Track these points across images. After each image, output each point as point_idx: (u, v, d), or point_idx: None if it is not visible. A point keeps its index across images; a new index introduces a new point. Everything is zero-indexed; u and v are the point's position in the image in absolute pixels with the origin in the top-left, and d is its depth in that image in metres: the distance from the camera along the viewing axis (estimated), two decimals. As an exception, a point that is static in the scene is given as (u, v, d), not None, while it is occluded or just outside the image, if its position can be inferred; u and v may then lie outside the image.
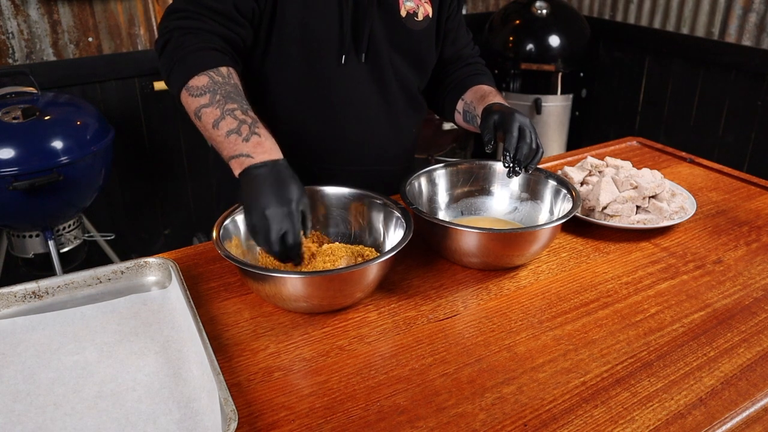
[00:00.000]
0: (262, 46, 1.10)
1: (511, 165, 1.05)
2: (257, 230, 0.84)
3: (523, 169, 1.05)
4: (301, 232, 0.86)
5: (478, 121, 1.16)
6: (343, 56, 1.12)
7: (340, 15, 1.10)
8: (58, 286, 0.90)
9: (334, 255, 0.94)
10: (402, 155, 1.29)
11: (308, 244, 0.94)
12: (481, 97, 1.21)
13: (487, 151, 1.07)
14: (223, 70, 0.96)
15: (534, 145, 1.05)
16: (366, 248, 0.98)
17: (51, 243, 1.96)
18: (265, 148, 0.90)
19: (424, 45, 1.22)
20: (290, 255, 0.86)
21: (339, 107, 1.16)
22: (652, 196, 1.14)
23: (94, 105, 2.10)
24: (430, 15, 1.20)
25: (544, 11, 2.82)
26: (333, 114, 1.17)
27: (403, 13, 1.16)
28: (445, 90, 1.31)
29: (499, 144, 1.07)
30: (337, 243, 1.00)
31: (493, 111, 1.10)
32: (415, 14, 1.17)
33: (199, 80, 0.94)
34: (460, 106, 1.27)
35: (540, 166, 1.17)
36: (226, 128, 0.91)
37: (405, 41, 1.18)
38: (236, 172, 0.90)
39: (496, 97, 1.18)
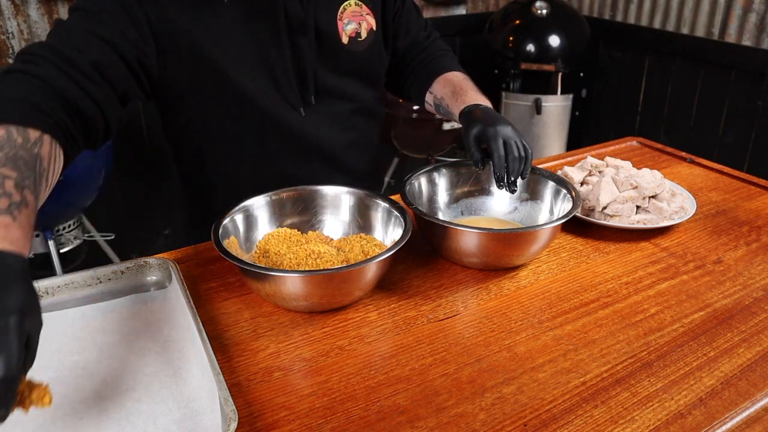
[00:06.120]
0: (187, 108, 1.08)
1: (505, 184, 1.02)
2: None
3: (519, 179, 1.02)
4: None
5: (455, 117, 1.15)
6: (301, 108, 1.10)
7: (286, 74, 1.07)
8: (58, 286, 0.90)
9: (342, 251, 0.95)
10: (367, 169, 1.27)
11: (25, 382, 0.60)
12: (452, 93, 1.18)
13: (479, 171, 1.07)
14: (33, 134, 0.75)
15: (522, 154, 1.01)
16: (373, 239, 1.00)
17: (51, 243, 1.96)
18: (8, 236, 0.63)
19: (373, 59, 1.19)
20: None
21: (298, 152, 1.13)
22: (652, 196, 1.15)
23: (94, 105, 2.09)
24: (374, 27, 1.16)
25: (544, 11, 2.82)
26: (294, 158, 1.14)
27: (345, 40, 1.12)
28: (410, 77, 1.29)
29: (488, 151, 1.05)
30: (352, 235, 1.01)
31: (472, 121, 1.06)
32: (358, 35, 1.13)
33: None
34: (429, 98, 1.25)
35: (540, 166, 1.16)
36: None
37: (352, 65, 1.15)
38: None
39: (468, 92, 1.16)
